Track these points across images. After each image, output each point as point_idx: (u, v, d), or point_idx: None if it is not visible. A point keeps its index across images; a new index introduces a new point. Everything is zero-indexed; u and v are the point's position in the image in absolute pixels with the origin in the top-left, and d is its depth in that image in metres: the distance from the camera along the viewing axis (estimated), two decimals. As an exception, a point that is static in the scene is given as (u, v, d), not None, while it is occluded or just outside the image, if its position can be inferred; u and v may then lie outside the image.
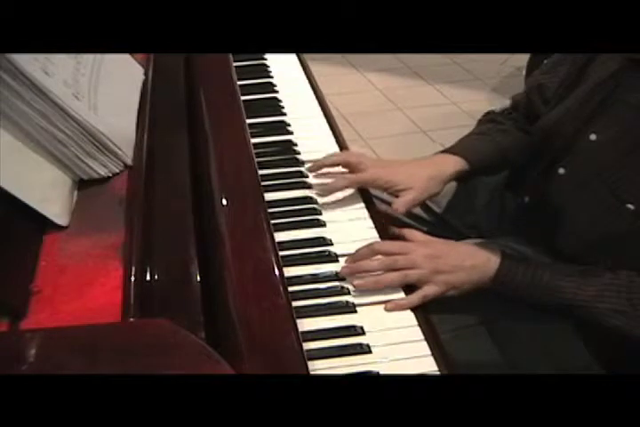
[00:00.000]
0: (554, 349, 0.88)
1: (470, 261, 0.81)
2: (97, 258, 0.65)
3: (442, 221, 1.12)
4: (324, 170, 0.95)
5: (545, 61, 1.02)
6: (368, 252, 0.80)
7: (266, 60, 1.25)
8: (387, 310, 0.76)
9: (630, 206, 0.80)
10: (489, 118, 1.08)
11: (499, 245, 0.99)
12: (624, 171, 0.81)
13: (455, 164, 0.96)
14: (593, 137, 0.85)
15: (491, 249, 0.83)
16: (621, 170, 0.81)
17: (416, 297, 0.77)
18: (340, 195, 0.92)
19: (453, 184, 1.12)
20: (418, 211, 1.11)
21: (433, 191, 0.94)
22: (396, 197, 0.92)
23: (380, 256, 0.80)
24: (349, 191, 0.93)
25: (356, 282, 0.78)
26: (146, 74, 0.94)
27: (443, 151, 1.00)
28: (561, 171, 0.89)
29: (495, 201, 1.09)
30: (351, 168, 0.94)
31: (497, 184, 1.09)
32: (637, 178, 0.80)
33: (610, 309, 0.77)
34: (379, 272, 0.79)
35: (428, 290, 0.78)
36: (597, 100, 0.85)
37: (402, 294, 0.78)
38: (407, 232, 0.86)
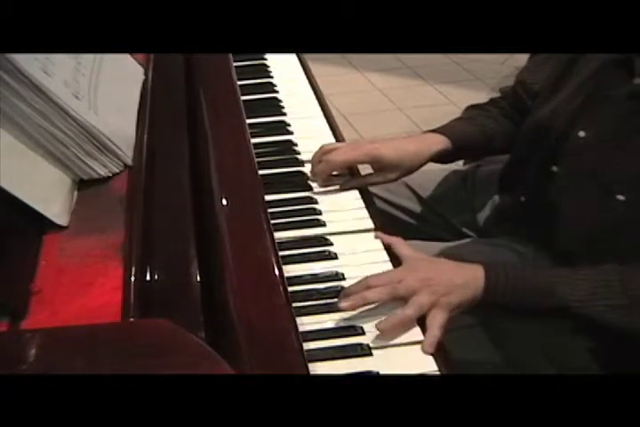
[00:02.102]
0: (554, 349, 0.88)
1: (459, 278, 0.77)
2: (97, 258, 0.65)
3: (441, 218, 1.12)
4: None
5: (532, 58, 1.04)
6: (362, 286, 0.75)
7: (266, 60, 1.25)
8: (424, 352, 0.70)
9: (621, 197, 0.80)
10: (475, 105, 1.10)
11: (498, 245, 0.99)
12: (613, 164, 0.82)
13: (440, 142, 0.99)
14: (582, 134, 0.86)
15: (471, 263, 0.80)
16: (610, 164, 0.82)
17: (436, 330, 0.72)
18: (340, 195, 0.93)
19: (452, 182, 1.13)
20: (413, 206, 1.11)
21: (415, 167, 0.97)
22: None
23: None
24: (349, 191, 0.94)
25: (343, 304, 0.73)
26: (146, 74, 0.94)
27: (428, 131, 1.02)
28: (555, 169, 0.90)
29: (493, 199, 1.09)
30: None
31: (492, 178, 1.09)
32: (625, 170, 0.81)
33: (607, 305, 0.76)
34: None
35: (438, 317, 0.73)
36: (583, 98, 0.87)
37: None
38: (395, 244, 0.83)
